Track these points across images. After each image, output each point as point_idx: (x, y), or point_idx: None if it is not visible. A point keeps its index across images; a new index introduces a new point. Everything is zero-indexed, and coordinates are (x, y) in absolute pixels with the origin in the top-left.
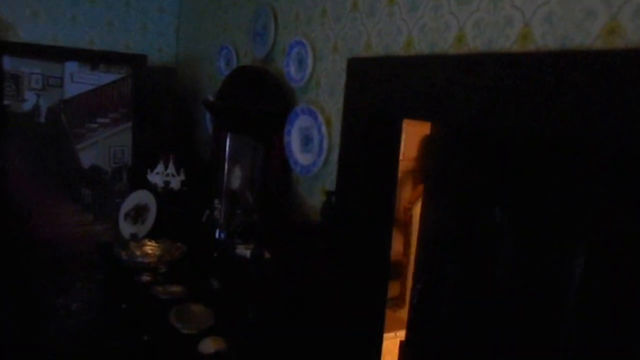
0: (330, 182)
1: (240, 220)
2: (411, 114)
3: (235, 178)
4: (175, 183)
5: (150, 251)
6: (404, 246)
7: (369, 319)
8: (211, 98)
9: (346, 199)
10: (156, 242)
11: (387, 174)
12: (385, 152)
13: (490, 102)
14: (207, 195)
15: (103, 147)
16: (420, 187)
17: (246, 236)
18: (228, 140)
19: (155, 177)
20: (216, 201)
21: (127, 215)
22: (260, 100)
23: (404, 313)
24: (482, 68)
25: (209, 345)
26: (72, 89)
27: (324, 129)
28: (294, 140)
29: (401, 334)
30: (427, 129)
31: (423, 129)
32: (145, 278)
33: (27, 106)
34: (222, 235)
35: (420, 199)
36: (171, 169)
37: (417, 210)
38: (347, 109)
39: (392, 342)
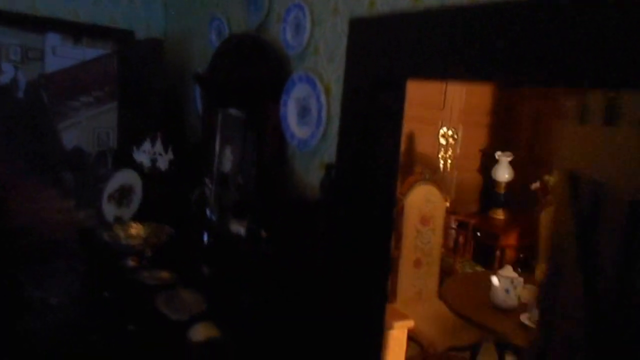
0: (328, 156)
1: (233, 198)
2: (417, 73)
3: (226, 158)
4: (163, 162)
5: (135, 233)
6: (395, 239)
7: (371, 303)
8: (201, 71)
9: (347, 172)
10: (142, 225)
11: (390, 143)
12: (388, 118)
13: (512, 55)
14: (196, 175)
15: (87, 128)
16: (411, 179)
17: (240, 214)
18: (220, 117)
19: (142, 156)
20: (207, 180)
21: (110, 197)
22: (254, 70)
23: (395, 307)
24: (503, 18)
25: (200, 332)
26: (53, 64)
27: (322, 97)
28: (290, 111)
29: (398, 326)
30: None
31: (410, 124)
32: (130, 263)
33: (4, 79)
34: (214, 216)
35: (410, 190)
36: (158, 147)
37: (408, 201)
38: (348, 74)
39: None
